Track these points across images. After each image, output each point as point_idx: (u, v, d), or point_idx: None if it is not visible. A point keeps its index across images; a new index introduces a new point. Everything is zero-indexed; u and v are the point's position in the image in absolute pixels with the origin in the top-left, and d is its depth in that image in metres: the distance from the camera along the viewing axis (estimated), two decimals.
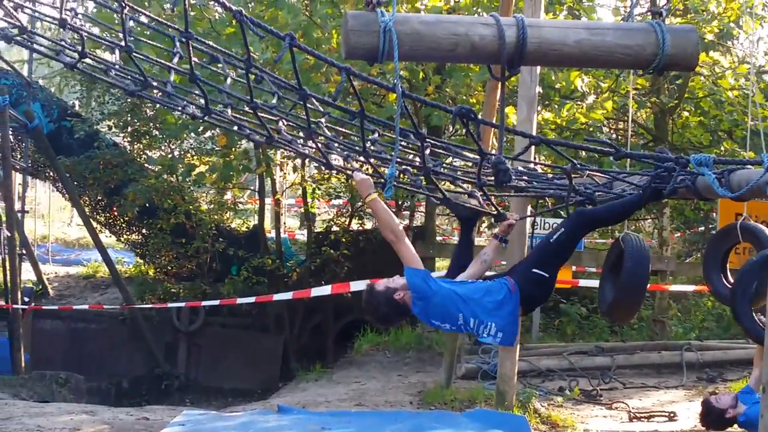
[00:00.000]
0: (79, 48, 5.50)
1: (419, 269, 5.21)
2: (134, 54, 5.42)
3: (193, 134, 14.52)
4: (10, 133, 13.91)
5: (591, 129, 13.25)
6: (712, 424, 6.65)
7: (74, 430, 8.08)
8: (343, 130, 6.15)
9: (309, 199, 15.90)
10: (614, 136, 15.74)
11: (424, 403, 9.55)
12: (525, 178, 6.23)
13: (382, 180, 5.17)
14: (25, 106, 14.76)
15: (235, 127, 6.47)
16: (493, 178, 4.90)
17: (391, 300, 5.26)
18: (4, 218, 13.59)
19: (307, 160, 12.70)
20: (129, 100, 15.28)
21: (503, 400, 8.60)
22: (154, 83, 5.90)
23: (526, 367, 10.66)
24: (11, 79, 15.47)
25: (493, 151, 5.71)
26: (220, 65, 5.92)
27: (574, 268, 12.85)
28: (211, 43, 6.19)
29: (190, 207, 15.68)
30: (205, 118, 6.00)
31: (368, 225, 16.40)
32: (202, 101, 5.61)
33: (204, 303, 13.56)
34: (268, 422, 8.15)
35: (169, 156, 15.96)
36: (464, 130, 4.46)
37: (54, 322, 15.70)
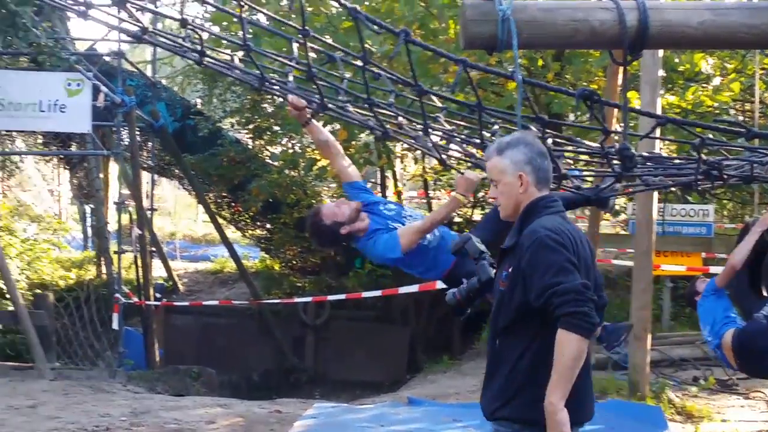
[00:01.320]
0: (199, 47, 5.60)
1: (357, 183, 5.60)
2: (253, 51, 5.48)
3: None
4: (137, 132, 14.28)
5: (717, 112, 12.82)
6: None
7: (209, 423, 8.26)
8: (462, 123, 6.06)
9: (430, 191, 15.87)
10: (741, 118, 15.20)
11: None
12: (649, 164, 6.05)
13: None
14: (151, 106, 15.12)
15: (356, 121, 6.49)
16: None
17: (336, 235, 5.33)
18: (134, 217, 13.97)
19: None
20: (249, 96, 15.52)
21: (636, 391, 8.41)
22: (273, 80, 5.95)
23: (657, 357, 10.36)
24: (136, 80, 15.87)
25: (616, 137, 5.55)
26: (336, 63, 5.93)
27: (704, 254, 12.45)
28: (328, 38, 6.20)
29: (313, 201, 15.83)
30: (320, 115, 6.02)
31: None
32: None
33: (330, 297, 13.67)
34: (399, 414, 8.17)
35: (291, 151, 16.14)
36: (586, 116, 4.36)
37: (185, 318, 16.09)
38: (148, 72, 15.79)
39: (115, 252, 13.33)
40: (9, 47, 12.91)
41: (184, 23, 6.39)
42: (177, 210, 28.90)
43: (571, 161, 5.81)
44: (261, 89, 6.24)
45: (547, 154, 3.75)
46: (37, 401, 9.43)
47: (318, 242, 5.57)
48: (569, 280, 3.42)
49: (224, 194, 16.90)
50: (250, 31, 5.85)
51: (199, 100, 17.64)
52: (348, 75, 6.14)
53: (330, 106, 5.86)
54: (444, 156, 5.78)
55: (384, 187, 16.01)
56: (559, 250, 3.48)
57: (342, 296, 12.82)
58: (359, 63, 4.92)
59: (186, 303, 16.03)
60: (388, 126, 5.67)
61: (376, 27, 4.37)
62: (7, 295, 15.91)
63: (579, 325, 3.36)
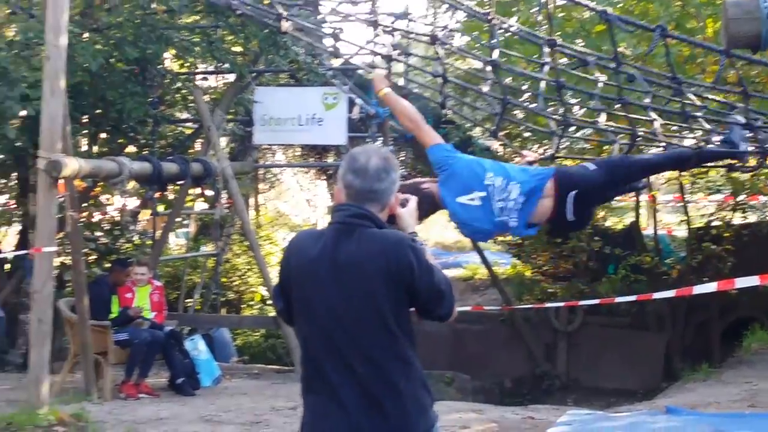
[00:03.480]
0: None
1: (441, 144, 5.32)
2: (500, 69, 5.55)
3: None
4: (390, 143, 14.67)
5: None
6: None
7: (463, 427, 8.36)
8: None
9: (687, 195, 15.35)
10: None
11: None
12: None
13: None
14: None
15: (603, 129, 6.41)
16: None
17: (418, 190, 5.00)
18: None
19: None
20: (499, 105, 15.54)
21: None
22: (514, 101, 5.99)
23: None
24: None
25: None
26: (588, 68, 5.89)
27: None
28: (581, 43, 6.16)
29: None
30: (567, 130, 5.99)
31: (752, 219, 15.54)
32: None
33: (582, 302, 13.50)
34: (657, 423, 7.94)
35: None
36: None
37: (436, 323, 16.25)
38: (401, 82, 16.10)
39: None
40: (271, 65, 13.64)
41: (433, 40, 6.57)
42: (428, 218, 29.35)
43: None
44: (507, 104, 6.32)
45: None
46: (297, 403, 9.84)
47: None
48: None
49: None
50: (501, 38, 5.91)
51: (449, 111, 17.79)
52: (603, 78, 6.09)
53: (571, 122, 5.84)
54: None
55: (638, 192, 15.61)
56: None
57: (595, 301, 12.59)
58: (612, 65, 4.87)
59: None
60: (641, 131, 5.57)
61: (630, 27, 4.32)
62: (269, 301, 16.82)
63: None
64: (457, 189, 5.25)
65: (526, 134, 15.92)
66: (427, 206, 5.17)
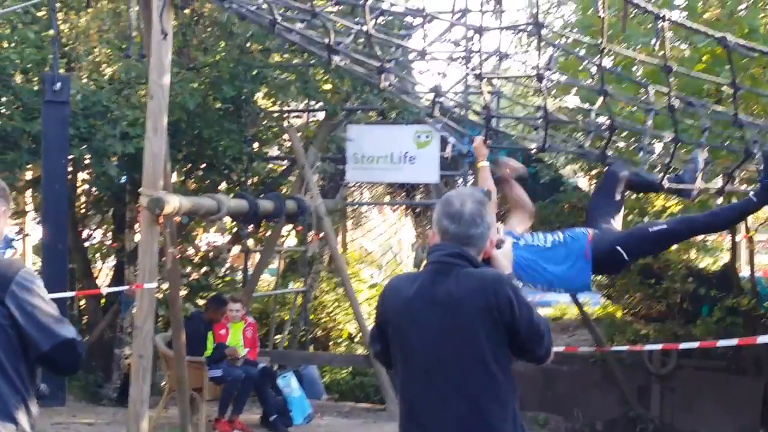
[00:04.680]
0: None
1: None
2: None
3: None
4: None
5: None
6: None
7: None
8: None
9: None
10: None
11: None
12: None
13: None
14: (493, 155, 15.37)
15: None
16: None
17: None
18: None
19: None
20: (589, 143, 15.36)
21: None
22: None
23: None
24: (478, 130, 16.19)
25: None
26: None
27: None
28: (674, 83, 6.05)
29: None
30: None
31: None
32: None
33: (681, 345, 13.16)
34: None
35: (632, 197, 15.80)
36: None
37: (527, 364, 16.02)
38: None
39: None
40: (363, 103, 13.70)
41: (540, 78, 6.50)
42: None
43: None
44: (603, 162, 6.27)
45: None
46: None
47: None
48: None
49: None
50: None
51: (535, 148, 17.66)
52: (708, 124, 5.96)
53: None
54: None
55: (733, 232, 15.27)
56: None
57: (694, 344, 12.28)
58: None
59: None
60: None
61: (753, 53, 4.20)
62: (357, 339, 16.81)
63: None
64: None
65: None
66: None
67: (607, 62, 6.49)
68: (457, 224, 3.54)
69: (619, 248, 5.58)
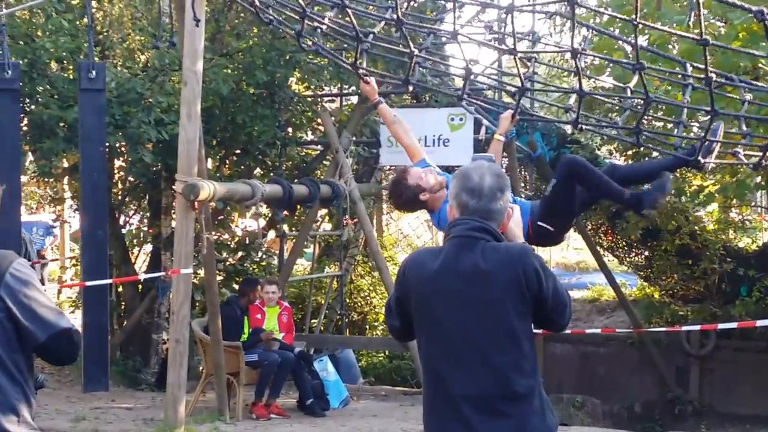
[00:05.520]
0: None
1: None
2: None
3: None
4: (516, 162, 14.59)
5: None
6: None
7: None
8: None
9: None
10: None
11: None
12: None
13: None
14: (528, 137, 15.34)
15: None
16: None
17: (416, 198, 5.35)
18: None
19: None
20: (625, 121, 15.23)
21: None
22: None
23: None
24: None
25: None
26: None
27: None
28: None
29: (696, 227, 15.30)
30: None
31: None
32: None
33: (720, 326, 13.04)
34: None
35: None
36: None
37: (564, 346, 16.07)
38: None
39: None
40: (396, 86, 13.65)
41: (574, 54, 6.42)
42: None
43: None
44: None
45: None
46: None
47: (396, 199, 5.64)
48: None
49: (602, 222, 16.72)
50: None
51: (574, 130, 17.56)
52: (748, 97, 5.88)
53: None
54: None
55: None
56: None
57: (732, 325, 12.17)
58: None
59: (568, 331, 15.95)
60: None
61: None
62: None
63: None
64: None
65: (655, 154, 15.53)
66: (417, 209, 5.71)
67: (642, 41, 6.43)
68: (477, 199, 3.53)
69: (540, 223, 5.63)
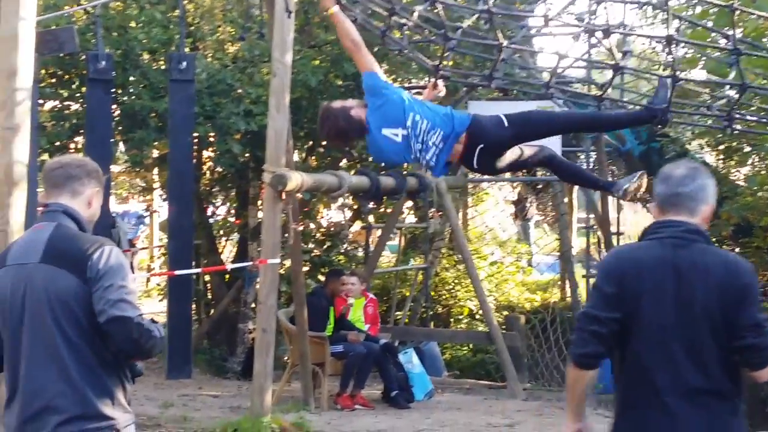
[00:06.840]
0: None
1: (379, 73, 5.61)
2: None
3: None
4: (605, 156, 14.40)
5: None
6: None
7: None
8: None
9: None
10: None
11: None
12: None
13: None
14: (616, 130, 15.11)
15: None
16: None
17: (347, 115, 5.52)
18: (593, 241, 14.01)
19: None
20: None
21: None
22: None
23: None
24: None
25: None
26: None
27: None
28: None
29: None
30: None
31: None
32: None
33: None
34: None
35: (763, 172, 15.26)
36: None
37: None
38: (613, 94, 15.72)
39: (583, 276, 13.47)
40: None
41: (668, 41, 6.27)
42: (635, 233, 28.53)
43: None
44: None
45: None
46: (513, 420, 9.72)
47: (328, 128, 5.69)
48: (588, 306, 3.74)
49: None
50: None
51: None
52: None
53: None
54: None
55: None
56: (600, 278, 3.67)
57: None
58: None
59: None
60: None
61: None
62: (477, 316, 16.73)
63: (571, 352, 3.73)
64: (384, 121, 5.54)
65: (747, 149, 15.16)
66: (355, 133, 5.67)
67: (737, 34, 6.24)
68: (686, 200, 3.65)
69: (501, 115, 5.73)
